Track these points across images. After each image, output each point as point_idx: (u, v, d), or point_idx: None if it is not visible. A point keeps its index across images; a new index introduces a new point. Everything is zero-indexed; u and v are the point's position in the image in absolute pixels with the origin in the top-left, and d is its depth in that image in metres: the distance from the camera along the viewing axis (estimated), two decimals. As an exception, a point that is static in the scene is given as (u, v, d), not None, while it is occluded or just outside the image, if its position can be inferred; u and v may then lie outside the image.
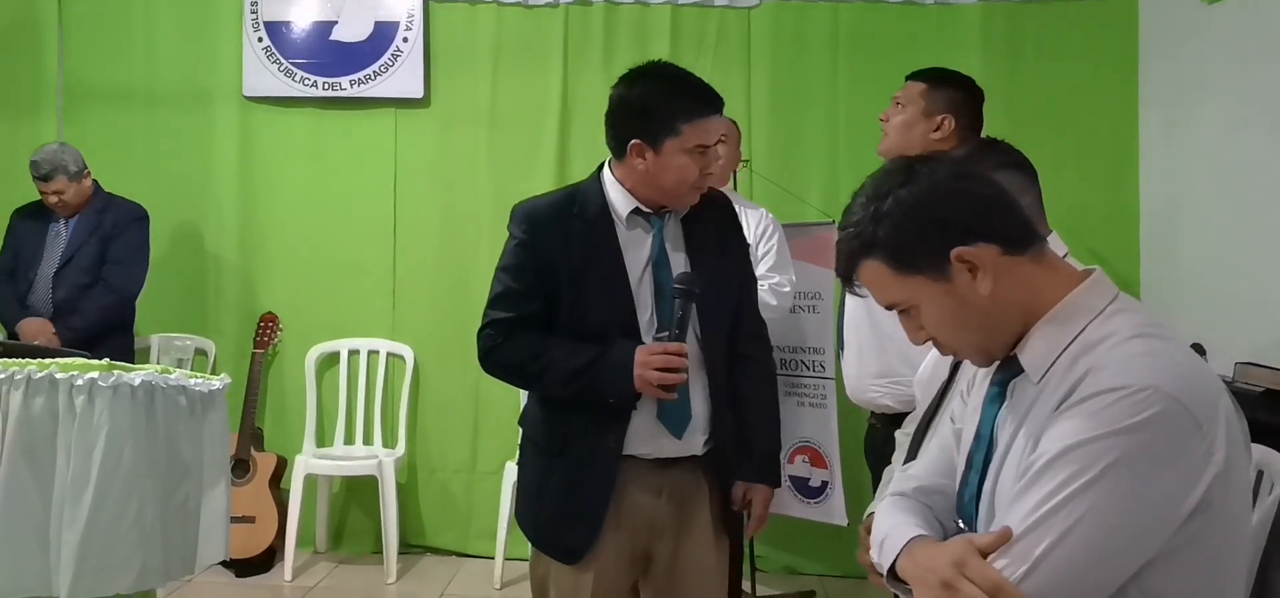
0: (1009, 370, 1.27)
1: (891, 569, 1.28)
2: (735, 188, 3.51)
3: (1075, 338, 1.19)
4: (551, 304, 1.99)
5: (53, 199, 3.76)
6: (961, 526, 1.33)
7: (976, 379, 1.39)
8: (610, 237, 1.99)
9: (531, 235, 2.00)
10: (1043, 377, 1.21)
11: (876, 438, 2.56)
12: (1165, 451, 1.08)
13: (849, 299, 2.75)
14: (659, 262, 2.00)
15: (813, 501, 3.27)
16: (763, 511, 2.14)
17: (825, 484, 3.22)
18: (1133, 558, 1.10)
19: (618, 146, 1.99)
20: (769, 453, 2.17)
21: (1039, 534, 1.10)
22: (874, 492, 1.94)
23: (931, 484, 1.41)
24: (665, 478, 2.02)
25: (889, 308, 1.32)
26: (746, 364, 2.16)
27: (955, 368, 1.74)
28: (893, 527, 1.32)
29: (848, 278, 1.31)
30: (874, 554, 1.35)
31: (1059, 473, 1.10)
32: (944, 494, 1.39)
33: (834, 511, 3.20)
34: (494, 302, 2.04)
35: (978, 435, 1.32)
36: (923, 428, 1.76)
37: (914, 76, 2.62)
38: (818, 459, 3.25)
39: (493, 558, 3.95)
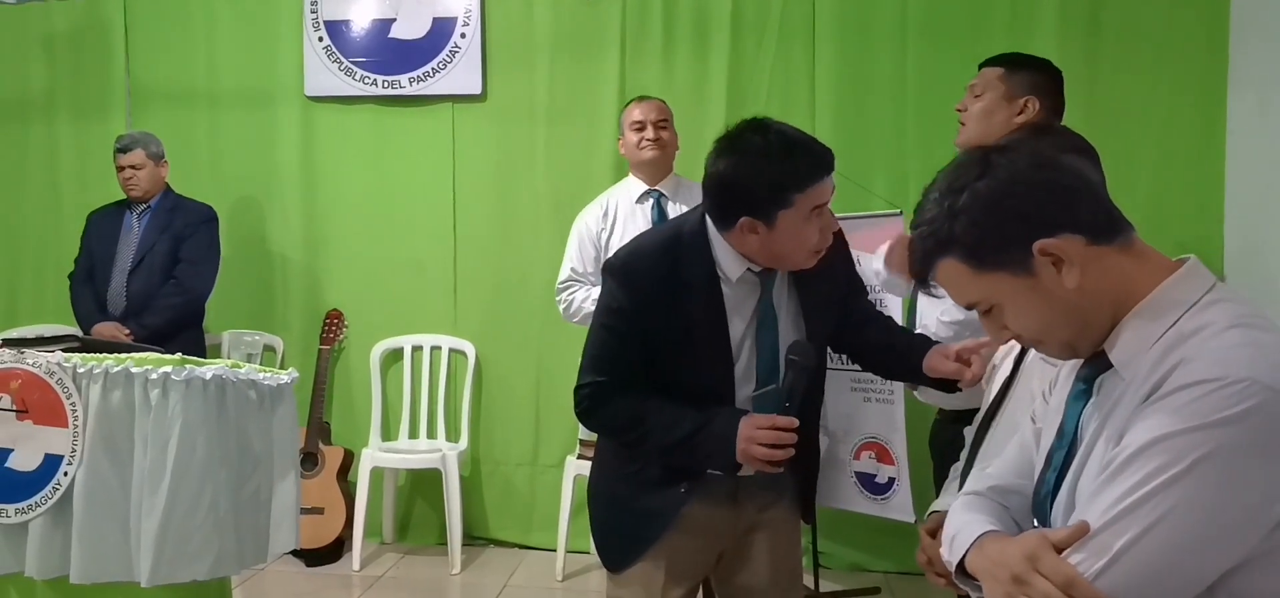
0: (1096, 366, 1.20)
1: (960, 566, 1.23)
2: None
3: (1167, 331, 1.11)
4: (649, 360, 1.91)
5: (128, 172, 3.84)
6: (1037, 525, 1.27)
7: (1059, 378, 1.33)
8: (716, 300, 1.88)
9: (631, 302, 1.88)
10: (1131, 371, 1.14)
11: (944, 434, 2.49)
12: (1262, 447, 1.01)
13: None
14: (764, 321, 1.91)
15: (879, 497, 3.21)
16: (955, 351, 1.94)
17: (892, 481, 3.16)
18: (1220, 560, 1.03)
19: (723, 221, 1.85)
20: (911, 336, 2.15)
21: (1119, 529, 1.04)
22: (937, 489, 1.88)
23: (1008, 484, 1.35)
24: (741, 481, 1.98)
25: (969, 308, 1.25)
26: (855, 325, 2.13)
27: (1018, 362, 1.68)
28: (964, 524, 1.27)
29: (923, 278, 1.25)
30: (944, 552, 1.30)
31: (1144, 466, 1.04)
32: (1021, 494, 1.33)
33: (901, 507, 3.13)
34: (591, 362, 1.95)
35: (1060, 432, 1.25)
36: (984, 425, 1.71)
37: (988, 63, 2.55)
38: (885, 455, 3.19)
39: (555, 551, 3.96)
